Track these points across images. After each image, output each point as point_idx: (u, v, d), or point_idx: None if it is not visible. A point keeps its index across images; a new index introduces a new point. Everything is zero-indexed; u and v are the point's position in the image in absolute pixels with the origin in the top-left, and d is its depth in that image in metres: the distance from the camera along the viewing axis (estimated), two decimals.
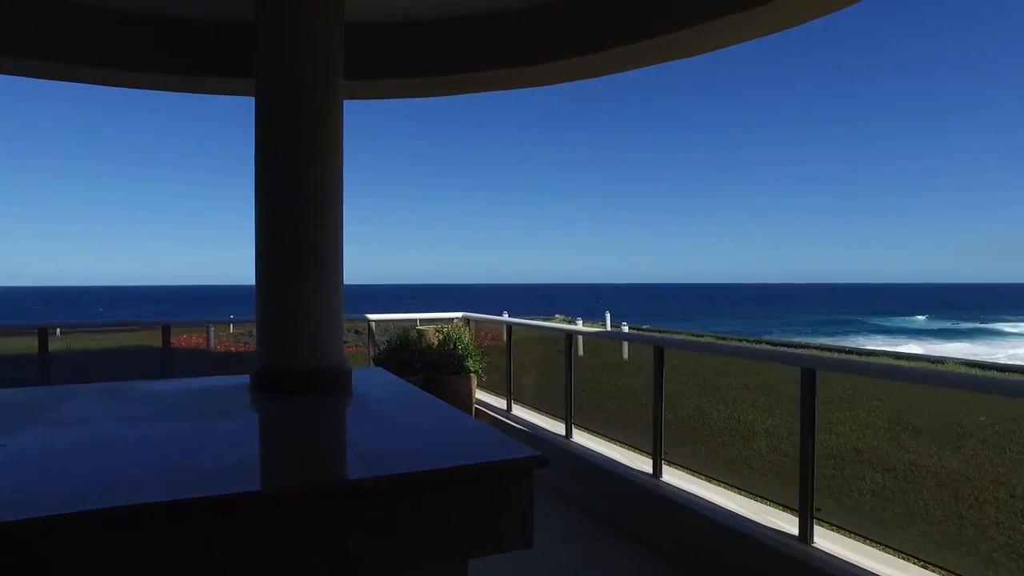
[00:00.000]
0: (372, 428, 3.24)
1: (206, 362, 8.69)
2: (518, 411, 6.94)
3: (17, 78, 4.85)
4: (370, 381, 4.36)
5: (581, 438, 5.89)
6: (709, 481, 4.66)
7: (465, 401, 6.94)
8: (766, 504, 4.22)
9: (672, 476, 4.77)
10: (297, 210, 4.07)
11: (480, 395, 7.36)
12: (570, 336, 6.02)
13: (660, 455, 4.79)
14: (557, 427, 6.26)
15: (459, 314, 8.25)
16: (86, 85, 5.31)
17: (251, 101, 4.26)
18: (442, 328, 7.54)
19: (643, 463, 5.07)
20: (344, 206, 4.34)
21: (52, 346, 7.01)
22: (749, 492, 4.37)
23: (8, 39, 4.83)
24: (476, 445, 2.78)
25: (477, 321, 8.03)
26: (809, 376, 3.70)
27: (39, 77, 5.07)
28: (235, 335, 10.76)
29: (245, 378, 4.23)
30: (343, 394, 3.96)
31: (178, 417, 3.35)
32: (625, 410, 6.38)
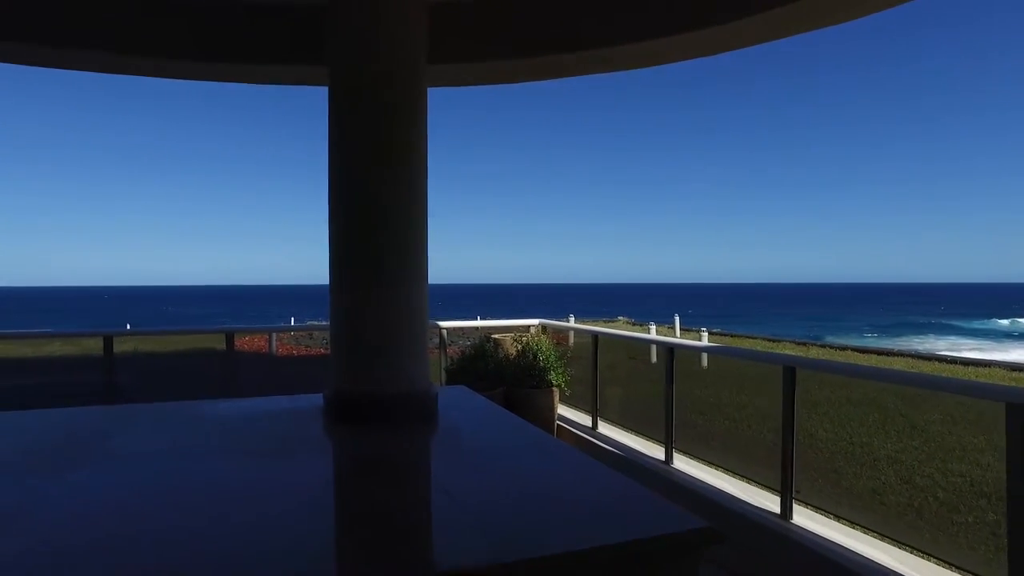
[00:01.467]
0: (479, 478, 2.67)
1: (268, 364, 8.39)
2: (605, 429, 6.31)
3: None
4: (457, 405, 3.82)
5: (685, 465, 5.22)
6: (840, 521, 3.96)
7: (547, 417, 6.35)
8: (918, 555, 3.49)
9: (805, 518, 4.07)
10: (378, 210, 3.57)
11: (560, 409, 6.75)
12: (671, 349, 5.36)
13: (790, 493, 4.09)
14: (653, 450, 5.61)
15: (535, 321, 7.67)
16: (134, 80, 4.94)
17: (321, 92, 3.82)
18: (520, 337, 6.96)
19: (763, 498, 4.38)
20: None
21: (122, 347, 6.88)
22: (894, 539, 3.65)
23: (74, 33, 4.50)
24: (619, 504, 2.19)
25: (556, 329, 7.42)
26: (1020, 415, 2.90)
27: (89, 69, 4.72)
28: (295, 338, 10.52)
29: (318, 399, 3.76)
30: (430, 424, 3.44)
31: (243, 454, 2.87)
32: (724, 429, 5.68)
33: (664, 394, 5.34)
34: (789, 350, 14.91)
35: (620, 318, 25.78)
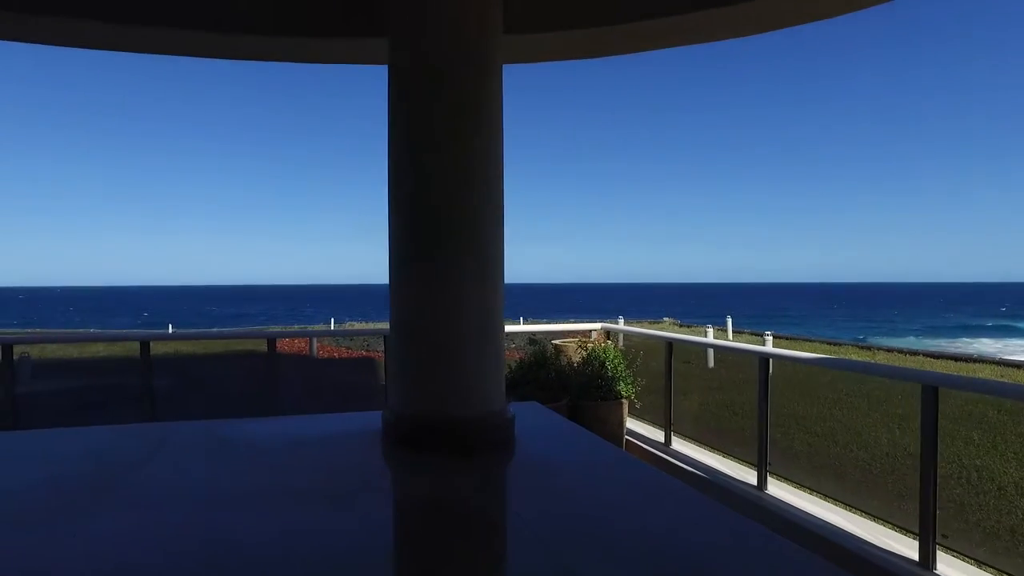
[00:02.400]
0: (582, 532, 2.11)
1: (310, 366, 7.98)
2: (679, 445, 5.70)
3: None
4: (533, 427, 3.28)
5: (781, 491, 4.58)
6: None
7: (616, 432, 5.77)
8: None
9: (948, 567, 3.42)
10: (447, 202, 3.04)
11: (628, 422, 6.16)
12: (766, 359, 4.73)
13: (932, 536, 3.44)
14: (738, 471, 5.00)
15: (597, 325, 7.08)
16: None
17: (375, 70, 3.31)
18: (585, 343, 6.39)
19: (890, 538, 3.74)
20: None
21: (162, 349, 6.80)
22: None
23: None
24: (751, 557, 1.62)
25: (623, 335, 6.82)
26: None
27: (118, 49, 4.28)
28: (335, 339, 10.21)
29: (374, 420, 3.25)
30: (506, 452, 2.90)
31: (290, 497, 2.36)
32: (814, 448, 5.03)
33: (757, 411, 4.71)
34: (854, 354, 14.05)
35: (665, 319, 24.93)
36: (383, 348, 6.67)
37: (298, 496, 2.36)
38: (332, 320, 25.88)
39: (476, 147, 3.12)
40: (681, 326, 21.56)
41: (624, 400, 5.87)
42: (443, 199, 3.08)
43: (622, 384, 5.87)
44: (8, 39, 4.23)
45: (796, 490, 4.58)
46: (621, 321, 14.59)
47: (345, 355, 9.07)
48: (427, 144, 3.14)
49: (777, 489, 4.61)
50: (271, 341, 6.69)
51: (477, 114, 3.13)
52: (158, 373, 6.51)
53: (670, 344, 5.82)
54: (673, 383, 5.74)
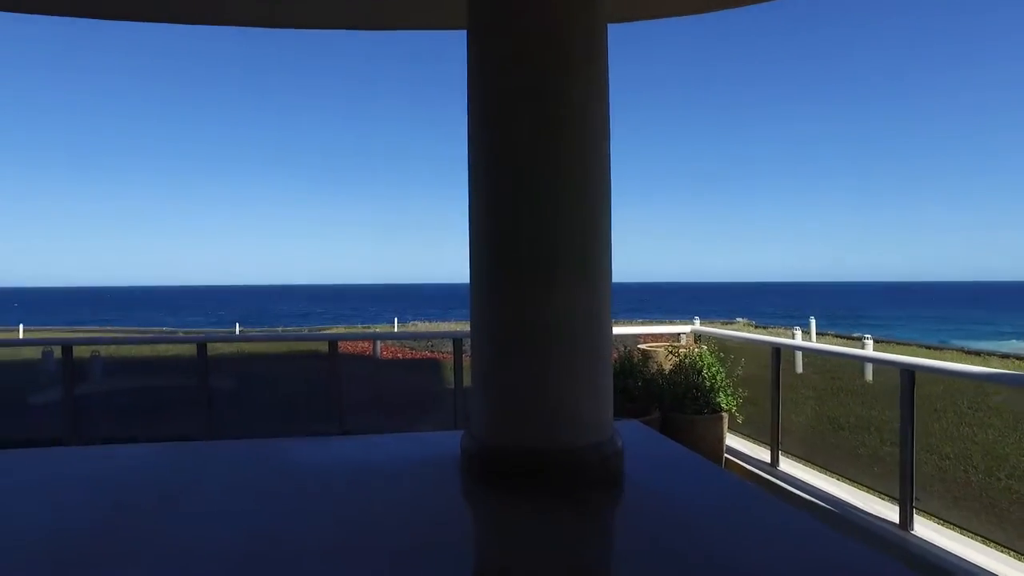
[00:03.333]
0: None
1: (372, 368, 7.68)
2: (788, 466, 4.95)
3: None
4: (638, 454, 2.65)
5: (933, 533, 3.79)
6: None
7: (714, 449, 5.06)
8: None
9: None
10: (543, 189, 2.43)
11: (728, 439, 5.43)
12: (910, 372, 3.93)
13: None
14: (869, 503, 4.22)
15: (686, 328, 6.37)
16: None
17: (446, 36, 2.73)
18: (677, 349, 5.70)
19: None
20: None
21: (226, 349, 6.76)
22: None
23: None
24: None
25: (717, 339, 6.07)
26: None
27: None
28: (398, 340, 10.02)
29: (451, 443, 2.68)
30: (616, 491, 2.29)
31: (344, 547, 1.81)
32: (943, 471, 4.21)
33: (900, 437, 3.93)
34: (965, 360, 12.72)
35: (739, 319, 23.65)
36: (451, 349, 6.21)
37: (369, 553, 1.81)
38: (396, 320, 25.75)
39: (576, 124, 2.49)
40: (757, 327, 20.34)
41: (724, 414, 5.15)
42: (537, 189, 2.46)
43: (722, 395, 5.16)
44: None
45: (943, 528, 3.79)
46: (697, 321, 13.72)
47: (409, 356, 8.72)
48: (515, 124, 2.51)
49: (925, 529, 3.82)
50: (333, 346, 6.30)
51: (581, 87, 2.50)
52: (219, 375, 6.24)
53: (777, 350, 5.06)
54: (781, 394, 4.98)
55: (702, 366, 5.28)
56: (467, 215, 2.64)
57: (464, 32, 2.66)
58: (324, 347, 6.76)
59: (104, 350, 6.92)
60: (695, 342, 6.18)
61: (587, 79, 2.51)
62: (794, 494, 4.61)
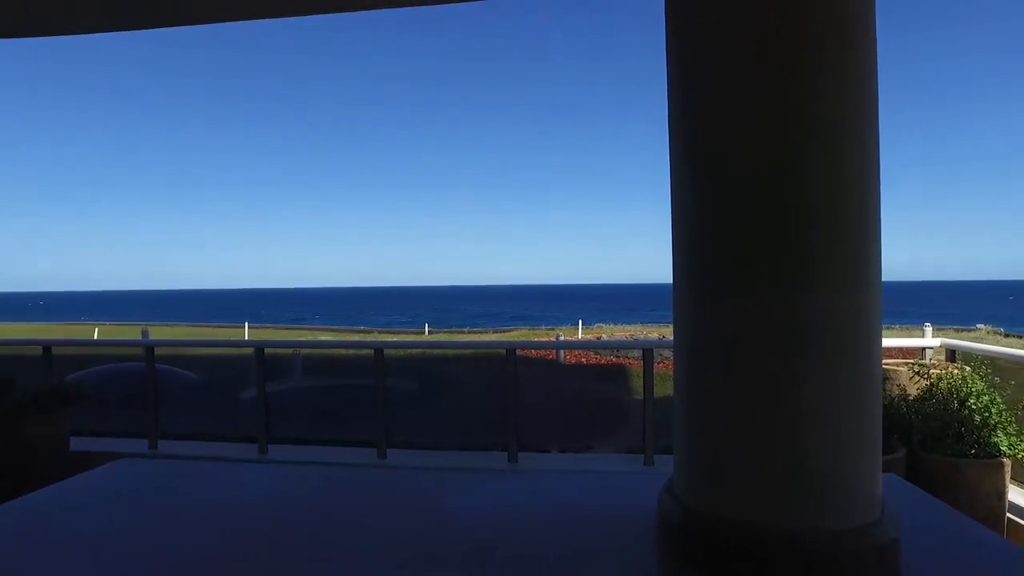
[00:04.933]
0: None
1: (554, 374, 7.24)
2: None
3: None
4: (908, 529, 1.78)
5: None
6: None
7: (991, 508, 3.84)
8: None
9: None
10: (795, 184, 1.69)
11: (1012, 493, 4.11)
12: None
13: None
14: None
15: (935, 342, 5.08)
16: None
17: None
18: (926, 370, 4.50)
19: None
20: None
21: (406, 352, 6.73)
22: None
23: None
24: None
25: (981, 356, 4.67)
26: None
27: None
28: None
29: (645, 491, 2.01)
30: None
31: None
32: None
33: None
34: None
35: (981, 326, 19.98)
36: (639, 355, 5.57)
37: None
38: (580, 323, 25.33)
39: (840, 99, 1.72)
40: (1007, 335, 16.95)
41: (1005, 459, 3.89)
42: (787, 184, 1.73)
43: (1001, 434, 3.91)
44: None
45: None
46: (929, 329, 11.67)
47: (594, 361, 8.19)
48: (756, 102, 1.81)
49: None
50: (510, 352, 5.90)
51: (836, 50, 1.73)
52: (397, 379, 6.13)
53: None
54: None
55: (967, 393, 4.06)
56: (668, 213, 1.98)
57: None
58: (502, 352, 6.40)
59: (290, 352, 7.16)
60: (949, 360, 4.90)
61: (847, 43, 1.73)
62: None
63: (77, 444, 5.97)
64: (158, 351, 6.43)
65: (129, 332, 30.66)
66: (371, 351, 5.92)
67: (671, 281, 1.94)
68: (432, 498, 2.25)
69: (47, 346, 6.63)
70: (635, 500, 2.13)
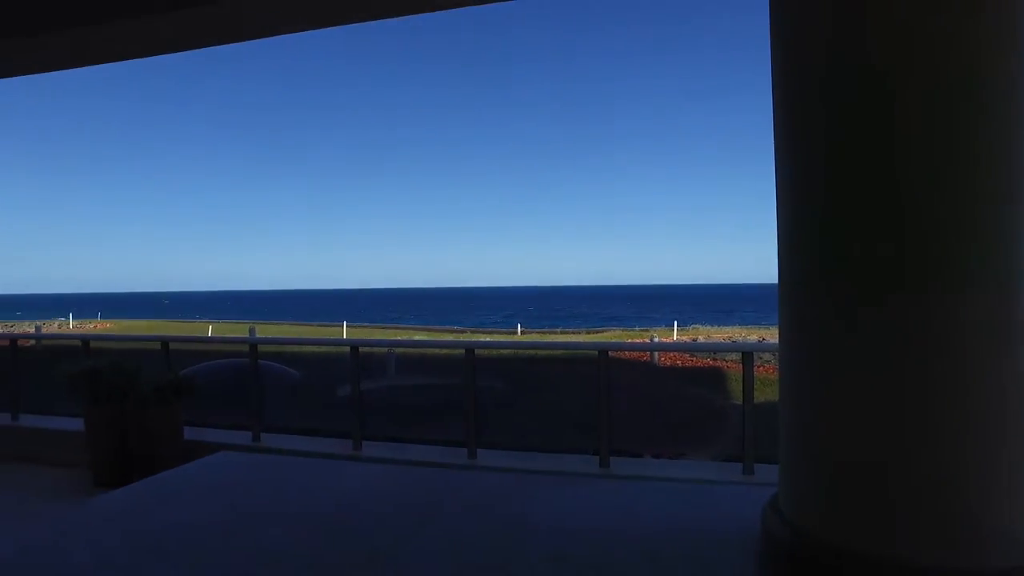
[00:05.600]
0: None
1: (648, 376, 7.01)
2: None
3: None
4: None
5: None
6: None
7: None
8: None
9: None
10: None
11: None
12: None
13: None
14: None
15: None
16: None
17: None
18: None
19: None
20: None
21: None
22: None
23: None
24: None
25: None
26: None
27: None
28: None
29: (745, 506, 1.86)
30: None
31: None
32: None
33: None
34: None
35: None
36: (738, 358, 5.31)
37: None
38: (675, 323, 24.73)
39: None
40: None
41: None
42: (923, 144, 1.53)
43: None
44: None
45: None
46: None
47: (689, 364, 7.90)
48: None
49: None
50: (603, 354, 5.77)
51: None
52: (488, 378, 6.13)
53: None
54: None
55: None
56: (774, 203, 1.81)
57: None
58: (594, 353, 6.26)
59: (384, 351, 7.31)
60: None
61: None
62: None
63: (190, 434, 6.35)
64: (261, 348, 6.73)
65: (239, 330, 32.60)
66: (462, 351, 5.95)
67: (775, 281, 1.78)
68: (517, 502, 2.18)
69: (165, 342, 7.10)
70: (734, 514, 1.97)
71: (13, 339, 8.02)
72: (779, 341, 1.73)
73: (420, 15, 3.54)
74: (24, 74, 4.04)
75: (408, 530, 1.87)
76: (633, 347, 9.09)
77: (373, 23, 3.54)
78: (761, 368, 5.66)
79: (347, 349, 6.32)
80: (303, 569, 1.63)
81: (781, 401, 1.72)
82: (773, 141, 1.79)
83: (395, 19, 3.55)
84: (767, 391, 5.33)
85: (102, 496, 2.26)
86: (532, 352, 7.64)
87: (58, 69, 4.08)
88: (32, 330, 20.41)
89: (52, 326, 40.68)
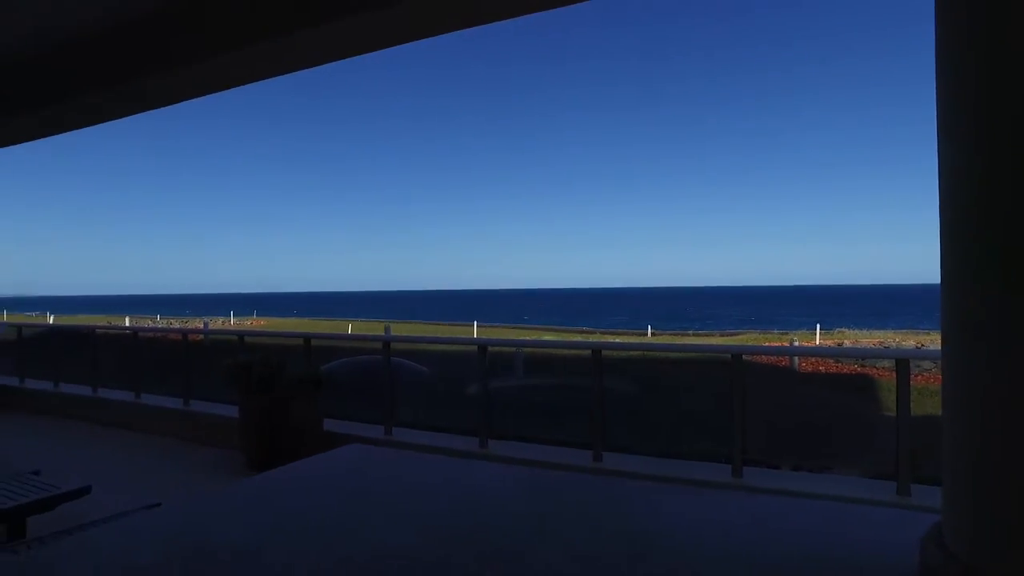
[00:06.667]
0: None
1: (787, 382, 6.66)
2: None
3: None
4: None
5: None
6: None
7: None
8: None
9: None
10: None
11: None
12: None
13: None
14: None
15: None
16: None
17: None
18: None
19: None
20: None
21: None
22: None
23: None
24: None
25: None
26: None
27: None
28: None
29: (900, 533, 1.64)
30: None
31: None
32: None
33: None
34: None
35: None
36: (891, 365, 4.89)
37: None
38: (818, 326, 23.12)
39: None
40: None
41: None
42: None
43: None
44: None
45: None
46: None
47: (834, 370, 7.31)
48: None
49: None
50: (736, 358, 5.49)
51: None
52: (616, 380, 6.01)
53: None
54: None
55: None
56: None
57: None
58: (727, 356, 5.98)
59: (512, 350, 7.36)
60: None
61: None
62: None
63: (329, 425, 6.74)
64: (394, 346, 7.01)
65: (375, 328, 34.41)
66: (589, 352, 5.86)
67: (938, 280, 1.55)
68: (642, 515, 2.07)
69: (307, 338, 7.58)
70: (886, 541, 1.75)
71: (184, 333, 8.93)
72: (942, 346, 1.50)
73: None
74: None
75: (531, 536, 1.82)
76: (770, 351, 8.57)
77: None
78: (920, 377, 5.11)
79: (475, 348, 6.43)
80: (428, 567, 1.62)
81: (945, 415, 1.50)
82: (936, 128, 1.56)
83: None
84: (926, 403, 4.81)
85: (245, 480, 2.41)
86: (662, 355, 7.40)
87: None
88: (201, 325, 22.70)
89: (216, 322, 45.15)
